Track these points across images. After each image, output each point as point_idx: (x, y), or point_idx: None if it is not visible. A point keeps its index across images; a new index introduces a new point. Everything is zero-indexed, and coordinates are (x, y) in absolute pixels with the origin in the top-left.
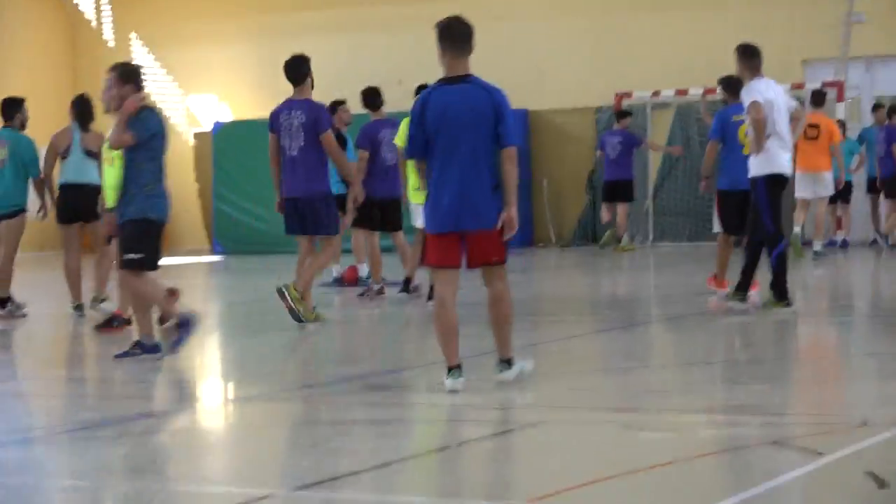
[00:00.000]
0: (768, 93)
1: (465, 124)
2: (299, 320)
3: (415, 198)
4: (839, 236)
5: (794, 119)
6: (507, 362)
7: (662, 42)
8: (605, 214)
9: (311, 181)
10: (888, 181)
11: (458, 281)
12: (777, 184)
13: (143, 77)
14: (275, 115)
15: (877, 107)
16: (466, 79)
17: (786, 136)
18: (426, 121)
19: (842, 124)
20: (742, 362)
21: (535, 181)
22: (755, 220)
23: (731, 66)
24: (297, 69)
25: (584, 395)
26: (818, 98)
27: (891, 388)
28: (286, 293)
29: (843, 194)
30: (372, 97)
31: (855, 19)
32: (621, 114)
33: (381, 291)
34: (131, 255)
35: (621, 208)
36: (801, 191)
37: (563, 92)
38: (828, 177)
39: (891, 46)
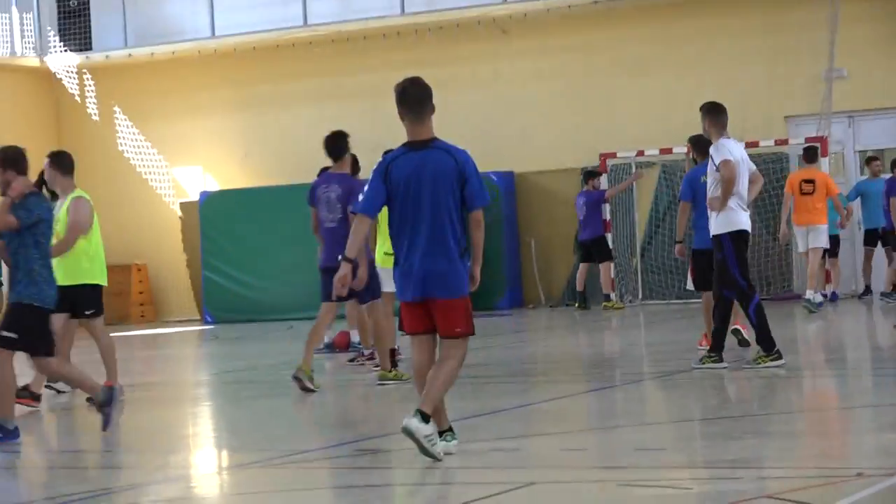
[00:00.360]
0: (735, 152)
1: (430, 191)
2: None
3: (385, 262)
4: (828, 289)
5: (751, 181)
6: (423, 415)
7: (644, 102)
8: (580, 281)
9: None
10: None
11: (434, 345)
12: (742, 240)
13: (26, 162)
14: (313, 188)
15: (871, 160)
16: (429, 143)
17: (745, 195)
18: (390, 185)
19: None
20: (735, 417)
21: (523, 242)
22: (722, 279)
23: None
24: (336, 145)
25: (578, 455)
26: (811, 154)
27: (885, 439)
28: (301, 376)
29: (830, 249)
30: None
31: (836, 75)
32: (589, 174)
33: (371, 357)
34: (5, 333)
35: (603, 268)
36: (800, 245)
37: (549, 153)
38: (822, 229)
39: (872, 101)
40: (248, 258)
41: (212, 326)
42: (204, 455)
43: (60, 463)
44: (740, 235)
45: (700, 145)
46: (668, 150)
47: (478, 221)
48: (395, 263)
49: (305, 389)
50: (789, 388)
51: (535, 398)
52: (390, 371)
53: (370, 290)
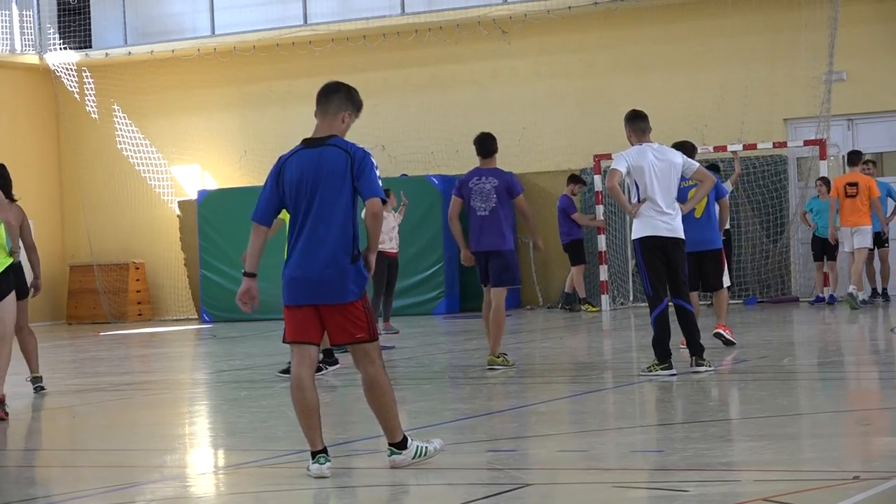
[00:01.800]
0: (641, 159)
1: (320, 190)
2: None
3: None
4: (826, 292)
5: (699, 181)
6: (396, 446)
7: (644, 104)
8: (567, 283)
9: (500, 237)
10: None
11: (316, 358)
12: (652, 246)
13: None
14: (464, 181)
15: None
16: (326, 140)
17: (662, 199)
18: (282, 186)
19: (826, 182)
20: (732, 419)
21: (521, 243)
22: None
23: (713, 127)
24: (487, 145)
25: (574, 456)
26: (854, 157)
27: (883, 442)
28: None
29: (829, 252)
30: None
31: (836, 78)
32: (570, 178)
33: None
34: None
35: (575, 270)
36: (846, 245)
37: (548, 154)
38: (867, 230)
39: (871, 104)
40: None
41: (209, 325)
42: (201, 454)
43: (57, 462)
44: (650, 242)
45: (682, 150)
46: None
47: (373, 211)
48: (284, 265)
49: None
50: (787, 391)
51: (531, 399)
52: (498, 357)
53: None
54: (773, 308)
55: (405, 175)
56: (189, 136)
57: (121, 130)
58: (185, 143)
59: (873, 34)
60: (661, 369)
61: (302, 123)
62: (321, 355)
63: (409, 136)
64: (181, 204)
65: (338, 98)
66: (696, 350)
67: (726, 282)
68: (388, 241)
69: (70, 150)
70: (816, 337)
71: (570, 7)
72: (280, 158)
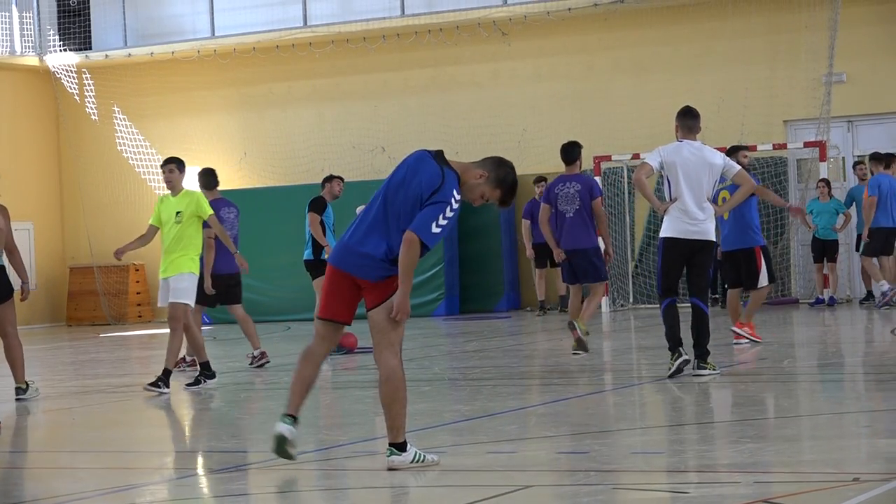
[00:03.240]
0: (675, 155)
1: (399, 188)
2: (584, 350)
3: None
4: (826, 294)
5: (739, 184)
6: (397, 447)
7: (644, 105)
8: (539, 286)
9: (586, 237)
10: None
11: (333, 337)
12: (671, 247)
13: None
14: (551, 188)
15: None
16: (444, 165)
17: (690, 199)
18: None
19: (826, 184)
20: (733, 421)
21: (521, 245)
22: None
23: (713, 128)
24: (571, 152)
25: (574, 458)
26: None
27: (882, 444)
28: (576, 326)
29: (829, 253)
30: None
31: (835, 79)
32: (541, 179)
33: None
34: None
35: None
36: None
37: (547, 155)
38: None
39: (871, 106)
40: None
41: (209, 327)
42: (200, 456)
43: (56, 463)
44: (668, 243)
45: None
46: None
47: (408, 242)
48: None
49: (579, 344)
50: (787, 393)
51: (531, 401)
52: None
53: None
54: (772, 309)
55: None
56: (189, 138)
57: (121, 132)
58: (184, 145)
59: (873, 36)
60: (673, 361)
61: (302, 125)
62: (199, 367)
63: (409, 137)
64: None
65: None
66: (699, 353)
67: (763, 282)
68: None
69: (70, 151)
70: (816, 338)
71: (569, 9)
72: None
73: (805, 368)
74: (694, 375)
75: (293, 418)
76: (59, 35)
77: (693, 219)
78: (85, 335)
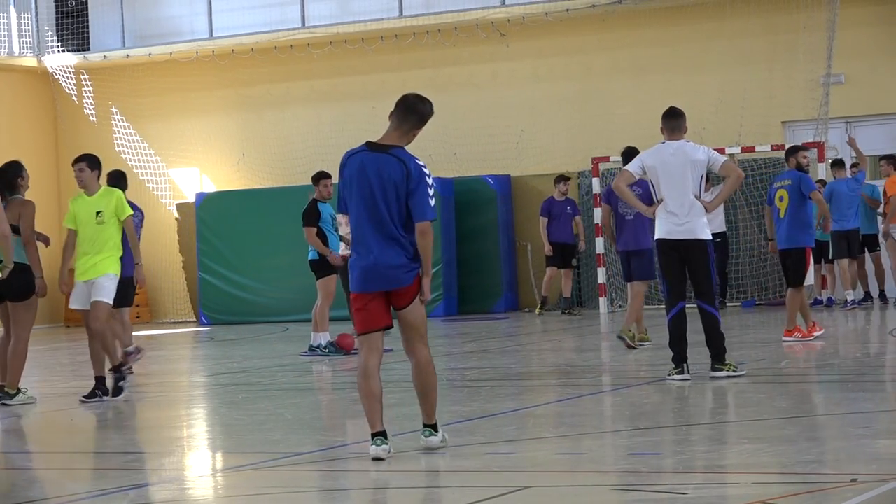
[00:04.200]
0: (655, 158)
1: (371, 193)
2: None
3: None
4: (825, 295)
5: (726, 176)
6: (433, 427)
7: (642, 106)
8: (547, 284)
9: (644, 238)
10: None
11: (382, 347)
12: (667, 249)
13: None
14: (611, 191)
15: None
16: (389, 149)
17: (673, 199)
18: (343, 181)
19: (823, 184)
20: (731, 422)
21: (519, 246)
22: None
23: (711, 129)
24: (630, 157)
25: (572, 459)
26: None
27: (880, 445)
28: (624, 337)
29: (826, 254)
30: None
31: (834, 81)
32: (562, 178)
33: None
34: None
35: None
36: None
37: (546, 156)
38: None
39: (869, 107)
40: (244, 260)
41: (207, 328)
42: (199, 457)
43: (54, 464)
44: (661, 244)
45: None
46: None
47: (423, 231)
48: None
49: (629, 347)
50: (784, 394)
51: (529, 402)
52: (629, 331)
53: None
54: (771, 310)
55: None
56: (187, 139)
57: (119, 133)
58: (183, 146)
59: (871, 37)
60: (675, 373)
61: (300, 126)
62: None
63: None
64: (179, 207)
65: (413, 117)
66: (714, 354)
67: (807, 281)
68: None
69: (68, 152)
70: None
71: (568, 10)
72: (344, 156)
73: (803, 369)
74: (710, 378)
75: (383, 435)
76: (58, 36)
77: (678, 218)
78: (83, 336)
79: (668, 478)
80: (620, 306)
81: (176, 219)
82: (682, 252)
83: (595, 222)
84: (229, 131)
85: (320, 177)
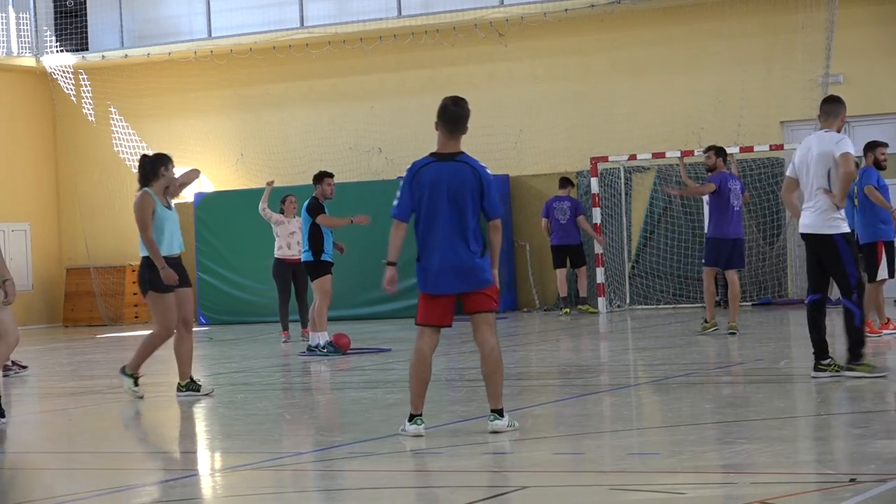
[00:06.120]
0: (800, 151)
1: (451, 198)
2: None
3: None
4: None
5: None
6: (498, 412)
7: (641, 107)
8: (562, 286)
9: (742, 228)
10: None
11: (438, 339)
12: (806, 242)
13: None
14: (724, 181)
15: None
16: (455, 157)
17: (806, 192)
18: (414, 191)
19: None
20: (729, 422)
21: (518, 246)
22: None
23: (710, 129)
24: (566, 184)
25: (570, 459)
26: None
27: (879, 445)
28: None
29: None
30: None
31: (832, 81)
32: (566, 181)
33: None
34: None
35: (582, 272)
36: None
37: (544, 157)
38: None
39: (868, 107)
40: (242, 260)
41: (206, 328)
42: (198, 457)
43: (53, 464)
44: (802, 237)
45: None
46: (661, 155)
47: (496, 227)
48: (418, 259)
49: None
50: (783, 394)
51: (528, 402)
52: (708, 322)
53: None
54: (769, 311)
55: (402, 178)
56: (186, 139)
57: (117, 133)
58: (181, 146)
59: (870, 37)
60: (821, 367)
61: (298, 126)
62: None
63: (406, 138)
64: (178, 206)
65: (464, 122)
66: (850, 353)
67: (881, 275)
68: (287, 247)
69: (67, 152)
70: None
71: (566, 10)
72: (412, 167)
73: (801, 369)
74: (843, 375)
75: (421, 418)
76: (56, 36)
77: (805, 211)
78: (81, 336)
79: (667, 478)
80: (619, 306)
81: None
82: (812, 246)
83: (595, 222)
84: (228, 131)
85: (323, 175)
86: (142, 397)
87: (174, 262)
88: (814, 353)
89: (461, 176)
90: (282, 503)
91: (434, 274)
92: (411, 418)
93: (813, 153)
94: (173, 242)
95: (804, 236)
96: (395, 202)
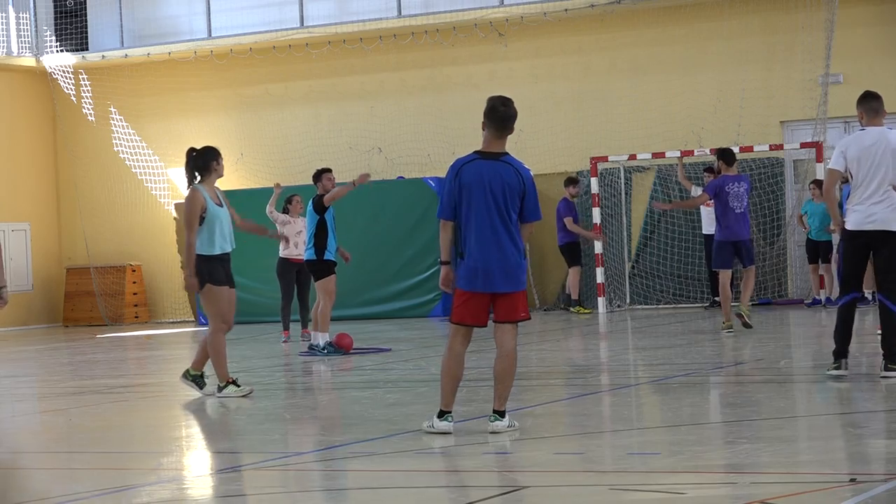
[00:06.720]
0: (856, 147)
1: (494, 197)
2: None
3: None
4: (823, 295)
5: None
6: (500, 413)
7: (640, 107)
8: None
9: (748, 229)
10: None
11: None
12: (852, 239)
13: None
14: (721, 186)
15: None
16: (501, 156)
17: (870, 189)
18: (455, 189)
19: (819, 185)
20: (729, 422)
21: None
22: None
23: (710, 129)
24: (733, 156)
25: (571, 459)
26: None
27: (879, 445)
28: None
29: (823, 254)
30: None
31: (832, 80)
32: (569, 181)
33: None
34: None
35: (572, 272)
36: None
37: (544, 156)
38: None
39: None
40: (242, 260)
41: (206, 328)
42: (198, 457)
43: (53, 464)
44: (852, 235)
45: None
46: (661, 155)
47: (530, 230)
48: (461, 257)
49: (746, 325)
50: (783, 394)
51: (527, 402)
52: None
53: None
54: (769, 310)
55: (402, 177)
56: (185, 139)
57: (117, 133)
58: (181, 146)
59: (870, 37)
60: (832, 369)
61: (298, 126)
62: None
63: (405, 138)
64: (178, 206)
65: (511, 123)
66: (886, 353)
67: None
68: (294, 246)
69: (66, 152)
70: (813, 339)
71: (566, 10)
72: (455, 164)
73: (801, 369)
74: (881, 377)
75: (451, 415)
76: (56, 36)
77: (873, 208)
78: (81, 336)
79: (667, 478)
80: (619, 306)
81: (174, 218)
82: (872, 243)
83: (595, 222)
84: (228, 131)
85: (321, 172)
86: (251, 392)
87: (224, 261)
88: (836, 351)
89: (504, 175)
90: (283, 503)
91: (483, 272)
92: (441, 415)
93: (891, 147)
94: (225, 240)
95: (865, 233)
96: (439, 203)
